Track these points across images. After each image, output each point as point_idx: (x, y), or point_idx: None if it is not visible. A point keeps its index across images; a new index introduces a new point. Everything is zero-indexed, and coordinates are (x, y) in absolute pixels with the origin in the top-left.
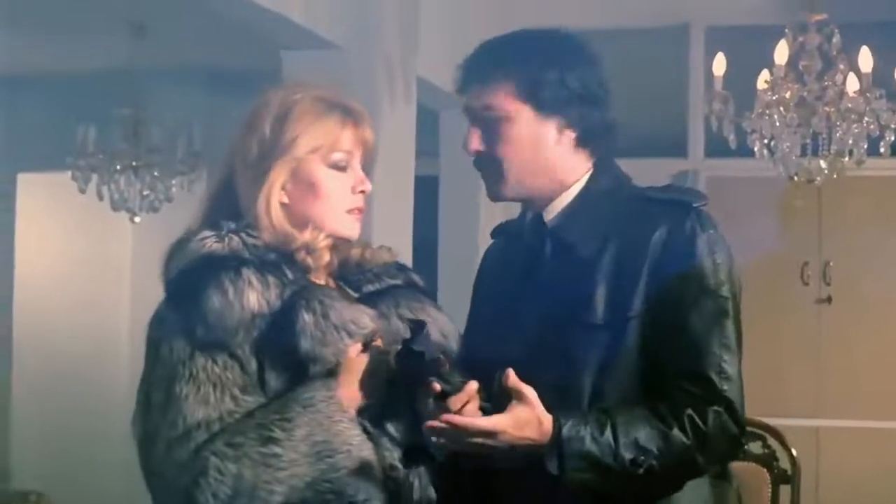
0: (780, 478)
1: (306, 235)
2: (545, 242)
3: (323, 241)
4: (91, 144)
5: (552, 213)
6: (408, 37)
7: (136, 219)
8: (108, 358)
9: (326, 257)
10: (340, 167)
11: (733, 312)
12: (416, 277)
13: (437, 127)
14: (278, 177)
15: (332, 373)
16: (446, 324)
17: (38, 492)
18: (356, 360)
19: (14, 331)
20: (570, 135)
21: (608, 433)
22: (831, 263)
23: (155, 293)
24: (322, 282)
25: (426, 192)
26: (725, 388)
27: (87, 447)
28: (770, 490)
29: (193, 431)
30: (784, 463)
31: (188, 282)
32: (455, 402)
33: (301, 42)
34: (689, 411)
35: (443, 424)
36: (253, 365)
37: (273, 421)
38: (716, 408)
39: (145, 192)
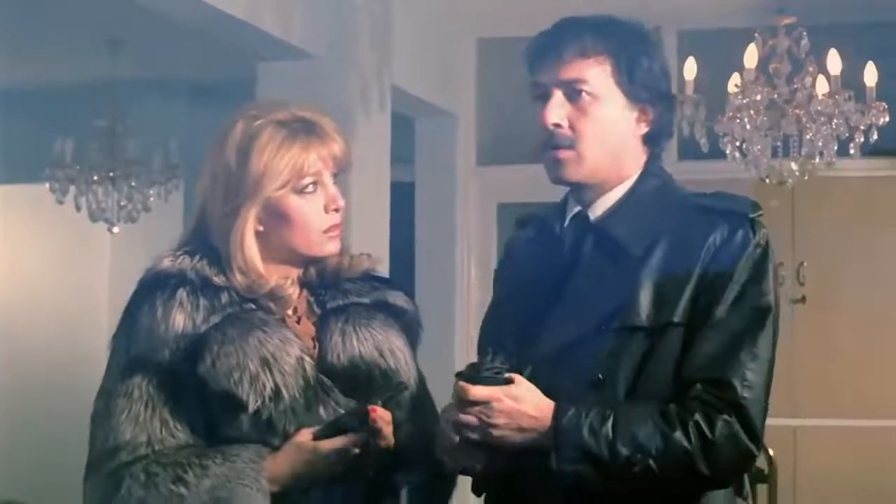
0: (757, 477)
1: (272, 281)
2: (586, 238)
3: (290, 289)
4: (69, 156)
5: (599, 209)
6: (382, 46)
7: (115, 229)
8: (85, 368)
9: (295, 300)
10: (310, 191)
11: (770, 325)
12: (389, 295)
13: (413, 133)
14: (250, 214)
15: (274, 429)
16: (389, 342)
17: (17, 501)
18: (301, 445)
19: None
20: (643, 129)
21: (608, 426)
22: (805, 264)
23: None
24: (289, 306)
25: (402, 198)
26: (746, 395)
27: (66, 457)
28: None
29: (120, 449)
30: (761, 462)
31: (134, 297)
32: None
33: (276, 53)
34: (698, 417)
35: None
36: (179, 387)
37: (191, 463)
38: (726, 417)
39: (123, 203)
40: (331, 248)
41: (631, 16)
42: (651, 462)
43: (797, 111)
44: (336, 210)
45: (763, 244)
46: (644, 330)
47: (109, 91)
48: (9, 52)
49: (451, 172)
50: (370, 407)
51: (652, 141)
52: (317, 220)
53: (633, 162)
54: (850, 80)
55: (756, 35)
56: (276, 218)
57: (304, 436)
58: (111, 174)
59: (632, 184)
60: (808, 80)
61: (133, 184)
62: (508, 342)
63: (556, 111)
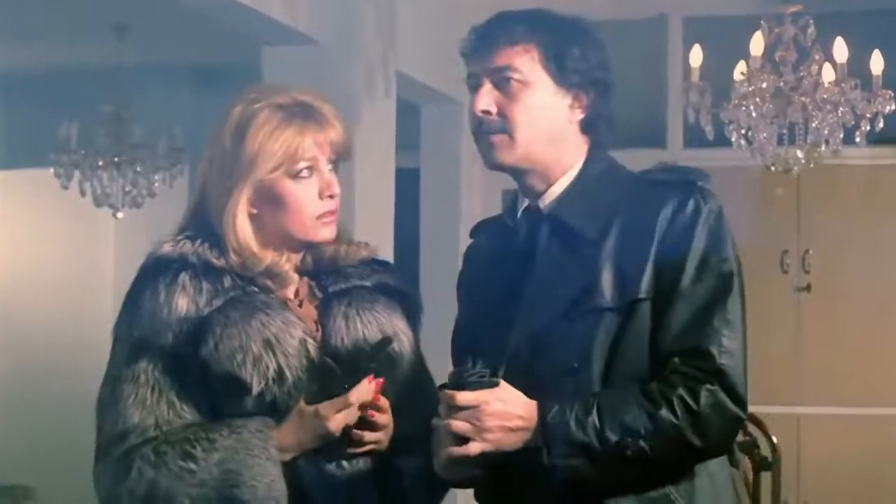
0: (761, 465)
1: (268, 259)
2: (541, 229)
3: (286, 265)
4: (74, 141)
5: (548, 199)
6: (387, 32)
7: (119, 214)
8: (90, 353)
9: (293, 278)
10: (304, 176)
11: (737, 289)
12: (390, 278)
13: (418, 120)
14: (242, 195)
15: (279, 411)
16: (393, 325)
17: (23, 485)
18: (302, 411)
19: None
20: (578, 115)
21: (593, 416)
22: (810, 251)
23: None
24: (287, 284)
25: (407, 185)
26: (725, 362)
27: (72, 440)
28: (751, 477)
29: (129, 434)
30: (765, 450)
31: (135, 283)
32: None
33: (281, 38)
34: (681, 390)
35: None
36: (183, 370)
37: (199, 438)
38: (709, 386)
39: (128, 188)
40: (325, 233)
41: (637, 2)
42: (642, 443)
43: (803, 99)
44: (331, 196)
45: (716, 210)
46: (611, 310)
47: (115, 76)
48: (14, 37)
49: (455, 159)
50: (367, 378)
51: (590, 128)
52: (311, 206)
53: (575, 150)
54: (857, 69)
55: (762, 23)
56: (270, 201)
57: (303, 402)
58: (116, 159)
59: (577, 171)
60: (814, 67)
61: (138, 169)
62: (482, 345)
63: (485, 98)
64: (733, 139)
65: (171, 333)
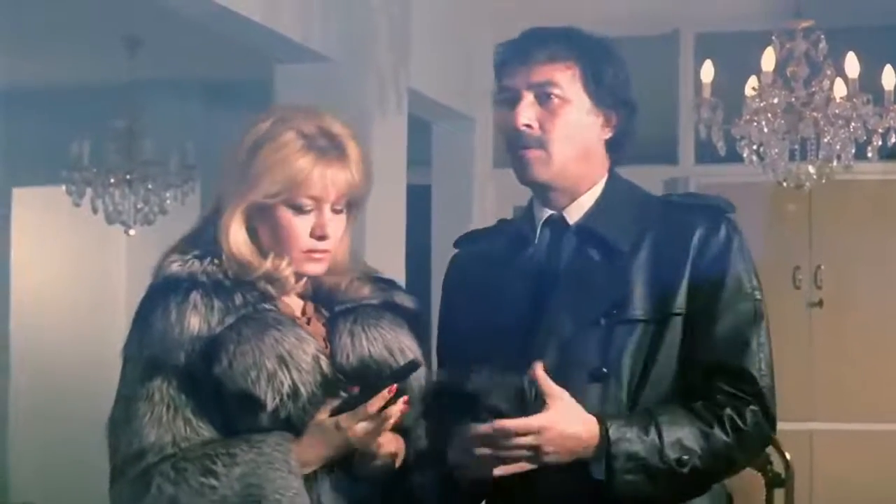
0: (773, 482)
1: (267, 265)
2: (566, 240)
3: (286, 270)
4: (85, 158)
5: (574, 212)
6: (399, 49)
7: (131, 231)
8: (104, 370)
9: (292, 283)
10: (304, 211)
11: (765, 315)
12: (398, 297)
13: (430, 136)
14: (237, 209)
15: (293, 427)
16: (399, 342)
17: None
18: (322, 423)
19: (11, 343)
20: (607, 134)
21: (653, 433)
22: (822, 267)
23: None
24: (291, 301)
25: (419, 201)
26: (764, 383)
27: (85, 460)
28: (764, 494)
29: (146, 452)
30: (778, 467)
31: (145, 302)
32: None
33: (293, 55)
34: (729, 411)
35: (488, 430)
36: (198, 388)
37: (218, 454)
38: (752, 407)
39: (139, 205)
40: (311, 268)
41: (648, 18)
42: (697, 462)
43: (815, 114)
44: (321, 238)
45: (743, 240)
46: (644, 321)
47: (126, 91)
48: (25, 53)
49: (467, 175)
50: (389, 388)
51: (615, 147)
52: (301, 240)
53: (600, 167)
54: (868, 84)
55: (773, 38)
56: (264, 222)
57: (323, 413)
58: (128, 176)
59: (602, 187)
60: (826, 83)
61: (150, 186)
62: (494, 354)
63: (527, 112)
64: (745, 155)
65: (183, 353)
